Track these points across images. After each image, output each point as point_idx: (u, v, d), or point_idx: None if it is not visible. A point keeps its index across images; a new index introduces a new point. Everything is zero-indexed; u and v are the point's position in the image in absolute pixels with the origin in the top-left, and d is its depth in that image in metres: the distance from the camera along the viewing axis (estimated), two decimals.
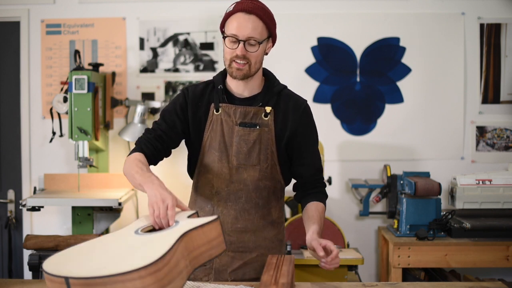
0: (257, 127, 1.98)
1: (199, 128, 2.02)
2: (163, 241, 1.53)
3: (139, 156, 1.93)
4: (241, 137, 1.97)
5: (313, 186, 2.07)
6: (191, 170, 2.11)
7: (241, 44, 1.90)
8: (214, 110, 2.00)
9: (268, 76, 2.07)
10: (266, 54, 2.01)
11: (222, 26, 1.99)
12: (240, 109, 1.99)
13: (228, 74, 2.02)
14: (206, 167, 2.01)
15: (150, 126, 2.04)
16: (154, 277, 1.41)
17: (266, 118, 1.99)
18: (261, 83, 2.05)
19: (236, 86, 2.02)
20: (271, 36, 2.00)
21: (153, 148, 1.98)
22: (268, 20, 1.95)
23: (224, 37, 1.95)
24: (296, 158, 2.04)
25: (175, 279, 1.48)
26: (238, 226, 1.99)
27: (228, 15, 1.95)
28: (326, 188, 2.11)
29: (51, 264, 1.47)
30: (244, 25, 1.90)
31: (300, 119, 2.02)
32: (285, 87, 2.08)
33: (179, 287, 1.50)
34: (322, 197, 2.06)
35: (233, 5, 1.95)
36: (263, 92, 2.02)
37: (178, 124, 2.02)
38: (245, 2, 1.93)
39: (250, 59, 1.93)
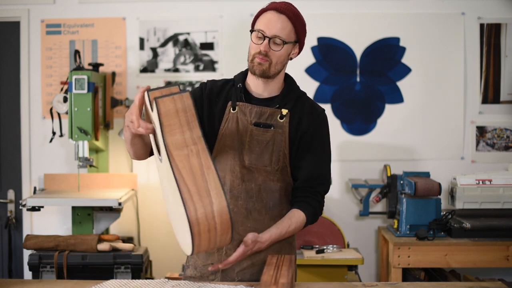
0: (272, 128, 1.98)
1: (214, 125, 2.02)
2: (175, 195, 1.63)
3: None
4: (255, 137, 1.97)
5: (304, 194, 2.00)
6: None
7: (266, 40, 1.92)
8: (231, 108, 2.00)
9: (288, 81, 2.08)
10: (291, 59, 2.03)
11: (253, 23, 2.01)
12: (256, 109, 1.99)
13: (249, 72, 2.03)
14: (218, 164, 2.00)
15: None
16: (205, 233, 1.57)
17: (281, 120, 1.98)
18: (281, 87, 2.05)
19: (255, 86, 2.03)
20: (299, 42, 2.01)
21: None
22: (298, 25, 1.97)
23: (251, 31, 1.97)
24: (297, 160, 2.02)
25: (209, 187, 1.61)
26: (248, 226, 1.97)
27: (260, 13, 1.98)
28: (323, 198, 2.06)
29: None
30: (273, 23, 1.93)
31: (312, 122, 2.01)
32: (305, 93, 2.08)
33: (215, 178, 1.62)
34: (307, 207, 1.98)
35: (268, 3, 1.98)
36: (282, 94, 2.03)
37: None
38: (280, 2, 1.97)
39: (271, 57, 1.94)
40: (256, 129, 1.97)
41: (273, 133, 1.97)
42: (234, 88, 2.03)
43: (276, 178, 1.99)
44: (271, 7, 1.96)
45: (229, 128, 1.99)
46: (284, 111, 1.99)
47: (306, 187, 2.01)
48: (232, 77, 2.09)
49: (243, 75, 2.06)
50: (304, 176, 2.01)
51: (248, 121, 1.98)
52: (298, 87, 2.08)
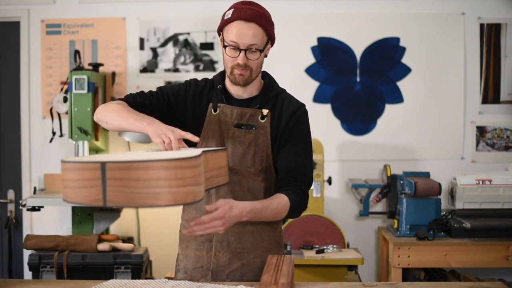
0: (253, 129, 1.97)
1: (197, 127, 2.02)
2: (188, 152, 1.60)
3: (121, 102, 1.93)
4: (236, 138, 1.96)
5: (287, 184, 1.95)
6: None
7: (242, 53, 1.89)
8: (212, 110, 2.00)
9: (266, 79, 2.06)
10: (266, 56, 2.01)
11: (220, 29, 1.98)
12: (237, 110, 1.98)
13: (229, 79, 2.01)
14: None
15: None
16: (191, 171, 1.49)
17: (262, 121, 1.97)
18: (259, 86, 2.04)
19: (235, 88, 2.01)
20: (270, 39, 1.99)
21: (140, 102, 1.98)
22: (267, 26, 1.93)
23: (224, 46, 1.93)
24: (279, 154, 1.98)
25: (200, 184, 1.57)
26: (237, 226, 1.97)
27: (226, 22, 1.93)
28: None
29: (74, 159, 1.53)
30: (245, 33, 1.88)
31: (290, 118, 1.98)
32: (284, 90, 2.06)
33: (201, 192, 1.58)
34: (290, 194, 1.90)
35: (232, 11, 1.92)
36: (261, 94, 2.01)
37: (171, 99, 2.00)
38: (244, 9, 1.90)
39: (251, 66, 1.92)
40: (237, 130, 1.97)
41: (255, 134, 1.96)
42: (214, 90, 2.02)
43: (261, 178, 1.98)
44: (237, 17, 1.89)
45: (211, 130, 1.99)
46: (265, 111, 1.97)
47: (289, 177, 1.95)
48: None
49: (221, 76, 2.04)
50: (286, 167, 1.96)
51: (229, 123, 1.97)
52: (277, 84, 2.06)
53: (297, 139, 1.99)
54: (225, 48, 1.93)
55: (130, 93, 2.02)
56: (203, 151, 1.63)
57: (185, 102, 2.02)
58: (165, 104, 2.00)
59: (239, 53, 1.89)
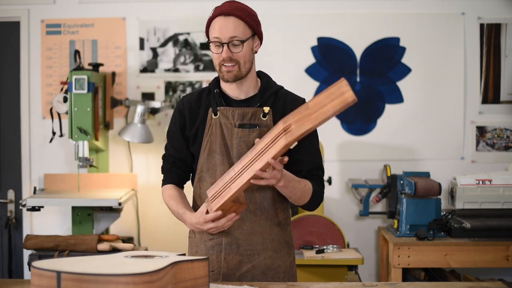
0: (257, 128, 1.97)
1: (199, 135, 2.03)
2: (155, 263, 1.60)
3: (169, 190, 2.09)
4: (241, 138, 1.97)
5: (310, 179, 2.02)
6: (192, 178, 2.12)
7: (225, 46, 1.91)
8: (213, 114, 2.00)
9: (263, 78, 2.07)
10: (255, 52, 2.02)
11: (207, 33, 2.00)
12: (238, 111, 1.98)
13: (221, 79, 2.02)
14: (208, 171, 2.01)
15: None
16: (146, 287, 1.44)
17: (264, 119, 1.98)
18: (256, 85, 2.05)
19: (231, 90, 2.02)
20: (257, 33, 2.00)
21: (175, 176, 2.09)
22: (249, 19, 1.95)
23: (208, 43, 1.97)
24: (293, 154, 1.99)
25: None
26: (245, 228, 1.98)
27: (209, 22, 1.97)
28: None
29: (41, 263, 1.54)
30: (225, 27, 1.92)
31: None
32: (282, 87, 2.07)
33: None
34: (313, 184, 2.00)
35: (213, 11, 1.97)
36: (260, 93, 2.02)
37: (184, 143, 2.06)
38: (223, 5, 1.96)
39: (238, 59, 1.93)
40: (241, 130, 1.97)
41: (259, 132, 1.97)
42: (212, 94, 2.03)
43: None
44: (217, 13, 1.94)
45: (213, 133, 1.99)
46: (266, 109, 1.99)
47: (310, 175, 2.02)
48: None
49: (216, 81, 2.06)
50: (306, 166, 2.02)
51: (232, 124, 1.98)
52: (274, 82, 2.08)
53: (310, 137, 2.00)
54: (210, 45, 1.96)
55: (163, 170, 2.13)
56: (175, 262, 1.62)
57: (185, 124, 2.05)
58: (185, 140, 2.06)
59: (222, 48, 1.92)
